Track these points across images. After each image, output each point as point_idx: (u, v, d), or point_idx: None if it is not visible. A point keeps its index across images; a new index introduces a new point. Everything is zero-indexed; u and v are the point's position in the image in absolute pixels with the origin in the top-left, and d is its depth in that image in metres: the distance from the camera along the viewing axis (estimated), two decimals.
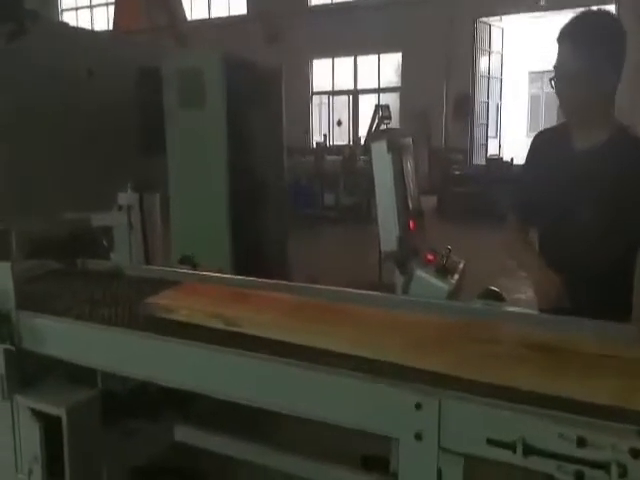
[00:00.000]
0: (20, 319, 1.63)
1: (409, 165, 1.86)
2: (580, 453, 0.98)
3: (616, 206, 1.48)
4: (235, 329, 1.45)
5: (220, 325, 1.48)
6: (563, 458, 0.99)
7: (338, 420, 1.22)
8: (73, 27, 9.11)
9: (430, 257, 1.87)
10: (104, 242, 2.13)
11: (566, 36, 1.50)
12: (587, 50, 1.47)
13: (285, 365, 1.27)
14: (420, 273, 1.70)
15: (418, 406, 1.09)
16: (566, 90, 1.53)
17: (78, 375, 1.74)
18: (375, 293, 1.70)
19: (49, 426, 1.63)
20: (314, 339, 1.36)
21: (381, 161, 1.71)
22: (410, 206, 1.83)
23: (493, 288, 1.65)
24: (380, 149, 1.71)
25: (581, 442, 0.97)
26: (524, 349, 1.28)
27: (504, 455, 1.02)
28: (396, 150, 1.73)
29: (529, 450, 1.00)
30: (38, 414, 1.62)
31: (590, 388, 1.10)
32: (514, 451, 1.01)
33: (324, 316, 1.54)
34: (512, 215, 1.79)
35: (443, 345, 1.34)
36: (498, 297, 1.59)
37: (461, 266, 1.93)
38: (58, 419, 1.59)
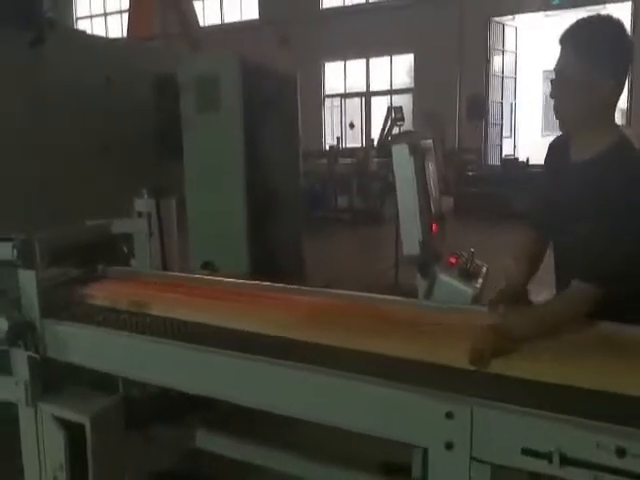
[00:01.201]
0: (45, 327, 1.64)
1: (431, 167, 1.83)
2: (619, 463, 0.95)
3: (612, 218, 1.37)
4: (144, 310, 1.64)
5: (132, 308, 1.67)
6: (601, 468, 0.96)
7: (365, 428, 1.20)
8: (90, 35, 9.20)
9: (452, 260, 1.85)
10: (124, 249, 2.13)
11: (566, 40, 1.44)
12: (585, 56, 1.41)
13: (311, 372, 1.26)
14: (444, 277, 1.67)
15: (449, 415, 1.07)
16: (562, 95, 1.46)
17: (100, 382, 1.74)
18: (389, 297, 1.72)
19: (71, 433, 1.64)
20: (213, 317, 1.56)
21: (403, 164, 1.69)
22: (432, 209, 1.81)
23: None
24: (402, 152, 1.69)
25: (620, 452, 0.95)
26: (384, 324, 1.49)
27: (539, 465, 1.00)
28: (418, 152, 1.71)
29: (566, 460, 0.97)
30: (62, 422, 1.63)
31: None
32: (550, 461, 0.98)
33: (233, 297, 1.73)
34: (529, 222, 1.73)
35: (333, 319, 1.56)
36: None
37: (484, 270, 1.90)
38: (80, 426, 1.59)
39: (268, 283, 1.84)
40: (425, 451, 1.14)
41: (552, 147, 1.68)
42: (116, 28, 16.69)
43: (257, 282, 1.87)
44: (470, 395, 1.10)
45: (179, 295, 1.79)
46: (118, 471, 1.74)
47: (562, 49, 1.46)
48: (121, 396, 1.78)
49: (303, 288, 1.91)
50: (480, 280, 1.78)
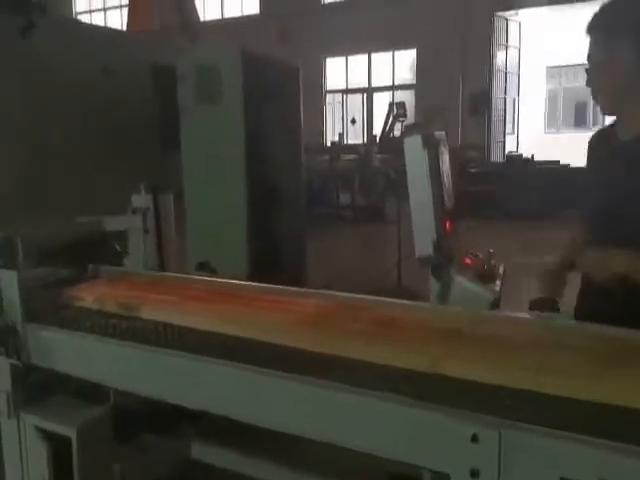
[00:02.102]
0: (28, 332, 1.52)
1: (444, 161, 1.71)
2: None
3: None
4: (134, 314, 1.52)
5: (122, 311, 1.55)
6: None
7: (377, 450, 1.08)
8: (85, 23, 9.05)
9: (468, 261, 1.72)
10: (117, 247, 2.01)
11: (594, 25, 1.50)
12: (613, 36, 1.45)
13: (317, 386, 1.13)
14: (460, 280, 1.55)
15: (474, 438, 0.94)
16: (598, 80, 1.52)
17: (89, 390, 1.62)
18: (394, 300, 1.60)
19: (57, 445, 1.52)
20: (206, 322, 1.45)
21: (415, 157, 1.56)
22: (446, 206, 1.68)
23: (547, 296, 1.50)
24: (414, 144, 1.56)
25: None
26: (375, 327, 1.39)
27: None
28: (432, 145, 1.58)
29: None
30: (46, 434, 1.51)
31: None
32: None
33: (230, 300, 1.62)
34: (580, 227, 1.71)
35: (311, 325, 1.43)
36: (553, 306, 1.43)
37: (501, 271, 1.78)
38: (66, 439, 1.47)
39: (268, 285, 1.71)
40: (446, 477, 1.01)
41: (593, 139, 1.73)
42: (116, 23, 16.53)
43: (256, 284, 1.75)
44: (498, 416, 0.97)
45: (173, 297, 1.66)
46: None
47: (591, 35, 1.51)
48: (111, 405, 1.66)
49: (306, 290, 1.79)
50: (498, 282, 1.65)
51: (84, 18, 17.78)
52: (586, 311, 1.59)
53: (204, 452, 1.94)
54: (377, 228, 8.28)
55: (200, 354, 1.31)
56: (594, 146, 1.68)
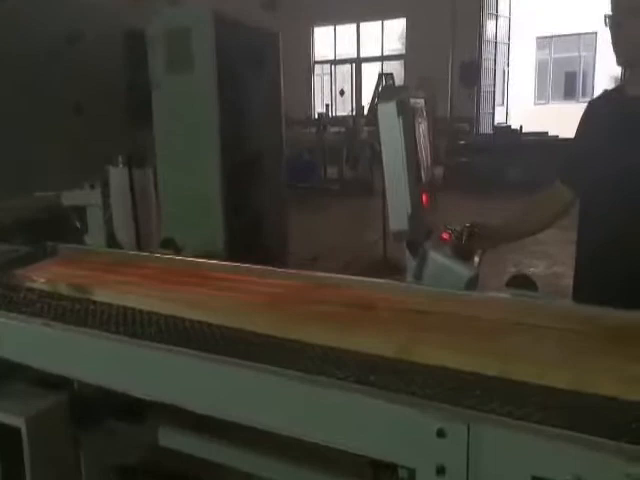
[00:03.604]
0: None
1: (422, 130, 1.59)
2: None
3: None
4: (87, 296, 1.43)
5: (75, 293, 1.45)
6: None
7: (340, 444, 1.00)
8: None
9: (445, 236, 1.62)
10: (77, 223, 1.89)
11: None
12: None
13: (275, 375, 1.04)
14: (435, 256, 1.46)
15: (440, 433, 0.86)
16: (623, 26, 1.45)
17: (50, 376, 1.53)
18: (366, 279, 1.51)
19: (10, 436, 1.43)
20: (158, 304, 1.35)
21: (389, 126, 1.45)
22: (423, 178, 1.58)
23: (523, 273, 1.40)
24: (388, 111, 1.44)
25: None
26: (344, 308, 1.31)
27: None
28: (407, 112, 1.47)
29: None
30: None
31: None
32: None
33: (195, 281, 1.52)
34: (556, 179, 1.72)
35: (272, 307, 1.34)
36: (529, 283, 1.35)
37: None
38: (17, 430, 1.38)
39: (233, 264, 1.60)
40: (412, 472, 0.94)
41: (597, 100, 1.76)
42: None
43: (219, 262, 1.64)
44: (467, 407, 0.89)
45: (129, 278, 1.55)
46: (66, 475, 1.54)
47: None
48: (71, 392, 1.57)
49: (274, 269, 1.67)
50: (476, 259, 1.56)
51: None
52: (583, 292, 1.57)
53: (172, 439, 1.86)
54: (364, 201, 8.18)
55: (153, 340, 1.21)
56: (598, 109, 1.65)
